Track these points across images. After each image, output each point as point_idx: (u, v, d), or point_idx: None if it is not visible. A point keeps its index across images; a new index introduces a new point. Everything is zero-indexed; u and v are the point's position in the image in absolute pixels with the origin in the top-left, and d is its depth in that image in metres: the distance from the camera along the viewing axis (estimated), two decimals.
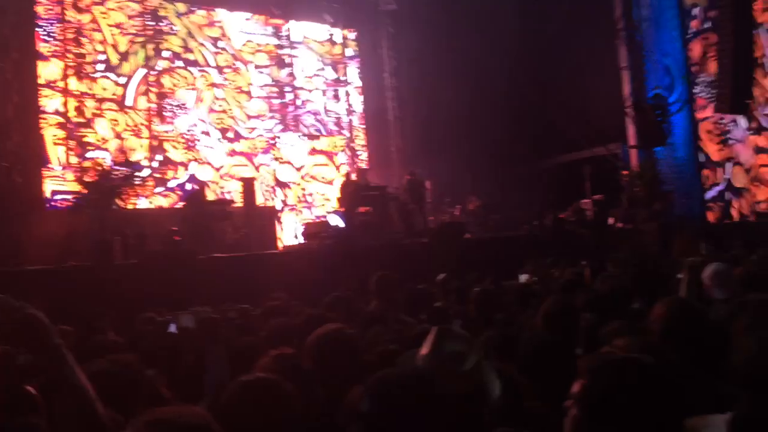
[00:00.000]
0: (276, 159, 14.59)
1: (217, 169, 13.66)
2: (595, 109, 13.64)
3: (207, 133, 13.61)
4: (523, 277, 6.31)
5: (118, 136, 12.41)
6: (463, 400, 1.67)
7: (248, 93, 14.36)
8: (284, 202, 14.55)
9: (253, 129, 14.37)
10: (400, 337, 3.20)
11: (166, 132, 13.07)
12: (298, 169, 14.97)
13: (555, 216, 12.13)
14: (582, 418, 1.50)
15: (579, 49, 13.84)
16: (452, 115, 14.46)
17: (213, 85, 13.84)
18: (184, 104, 13.34)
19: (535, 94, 14.82)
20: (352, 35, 16.27)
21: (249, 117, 14.28)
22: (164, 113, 13.04)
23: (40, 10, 11.81)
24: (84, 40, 12.21)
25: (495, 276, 6.56)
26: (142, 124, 12.77)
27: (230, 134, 13.98)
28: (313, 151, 15.30)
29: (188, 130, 13.33)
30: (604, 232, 12.12)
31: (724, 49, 12.97)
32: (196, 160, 13.40)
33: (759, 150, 16.61)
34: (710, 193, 15.95)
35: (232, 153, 13.97)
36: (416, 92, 15.15)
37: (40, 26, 11.77)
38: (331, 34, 15.79)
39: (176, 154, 13.19)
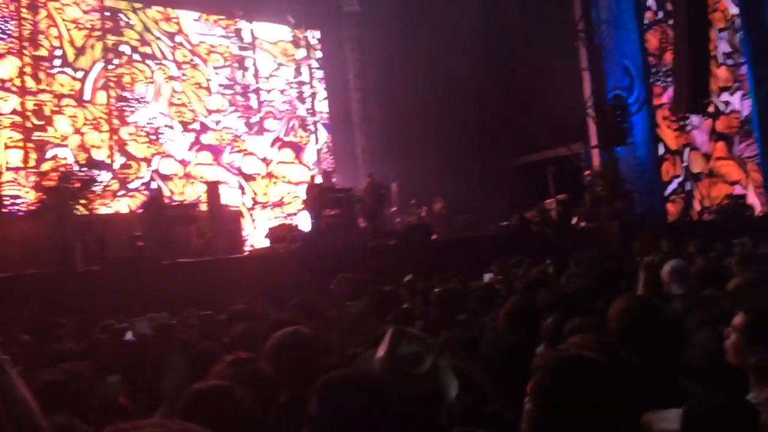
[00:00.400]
0: (240, 151, 14.46)
1: (181, 162, 13.49)
2: (558, 110, 13.83)
3: (170, 127, 13.48)
4: (488, 277, 6.35)
5: (77, 131, 12.22)
6: (418, 401, 1.67)
7: (207, 89, 14.23)
8: (254, 200, 14.42)
9: (219, 121, 14.26)
10: (369, 339, 3.19)
11: (127, 125, 12.91)
12: (264, 161, 14.83)
13: (520, 216, 12.24)
14: (536, 413, 1.52)
15: (541, 50, 14.02)
16: (417, 117, 14.52)
17: (171, 78, 13.69)
18: (143, 98, 13.19)
19: (500, 95, 14.99)
20: (315, 36, 16.20)
21: (210, 111, 14.15)
22: (123, 107, 12.89)
23: None
24: (40, 36, 12.02)
25: (462, 277, 6.59)
26: (101, 118, 12.60)
27: (195, 125, 13.84)
28: (278, 141, 15.17)
29: (148, 123, 13.18)
30: (568, 231, 12.28)
31: (680, 50, 13.27)
32: (159, 153, 13.23)
33: (719, 137, 17.08)
34: (671, 186, 16.36)
35: (198, 143, 13.80)
36: (381, 93, 15.17)
37: None
38: (295, 36, 15.72)
39: (138, 148, 13.00)
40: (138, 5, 13.42)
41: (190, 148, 13.72)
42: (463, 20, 14.06)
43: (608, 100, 14.37)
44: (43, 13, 12.12)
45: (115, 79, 12.90)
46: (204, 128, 13.98)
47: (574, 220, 13.04)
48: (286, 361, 2.39)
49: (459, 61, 14.23)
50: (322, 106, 16.12)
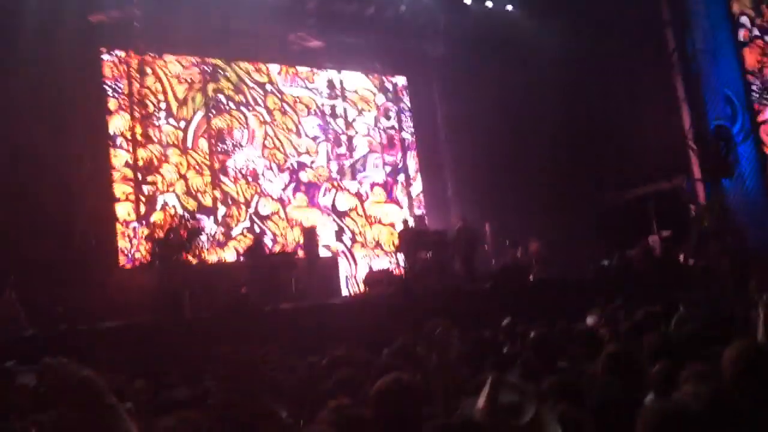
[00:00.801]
0: (334, 187, 14.92)
1: (278, 201, 14.08)
2: (658, 143, 13.36)
3: (268, 168, 14.20)
4: (590, 320, 6.14)
5: (182, 177, 13.07)
6: None
7: (297, 133, 14.86)
8: (352, 239, 14.78)
9: (313, 161, 14.84)
10: (469, 387, 3.17)
11: (226, 168, 13.69)
12: (358, 197, 15.22)
13: (622, 255, 11.79)
14: None
15: (635, 81, 13.67)
16: (508, 155, 14.44)
17: (264, 122, 14.44)
18: (239, 142, 14.00)
19: (594, 129, 14.61)
20: (401, 82, 16.52)
21: (300, 154, 14.76)
22: (222, 152, 13.74)
23: (107, 71, 12.68)
24: (146, 92, 13.08)
25: (562, 319, 6.41)
26: (203, 164, 13.45)
27: (293, 163, 14.51)
28: (372, 183, 15.58)
29: (246, 166, 13.95)
30: (675, 270, 11.70)
31: None
32: (257, 194, 13.90)
33: None
34: None
35: (293, 183, 14.39)
36: (470, 134, 15.14)
37: (108, 84, 12.65)
38: (381, 82, 16.11)
39: (238, 191, 13.73)
40: (232, 62, 14.32)
41: (286, 188, 14.32)
42: (551, 54, 13.92)
43: (710, 131, 13.74)
44: (149, 71, 13.23)
45: (213, 126, 13.79)
46: (299, 168, 14.60)
47: (681, 258, 12.41)
48: (388, 408, 2.41)
49: (550, 97, 14.06)
50: (412, 149, 16.33)
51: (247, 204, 13.75)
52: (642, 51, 13.95)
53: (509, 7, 15.20)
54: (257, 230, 13.50)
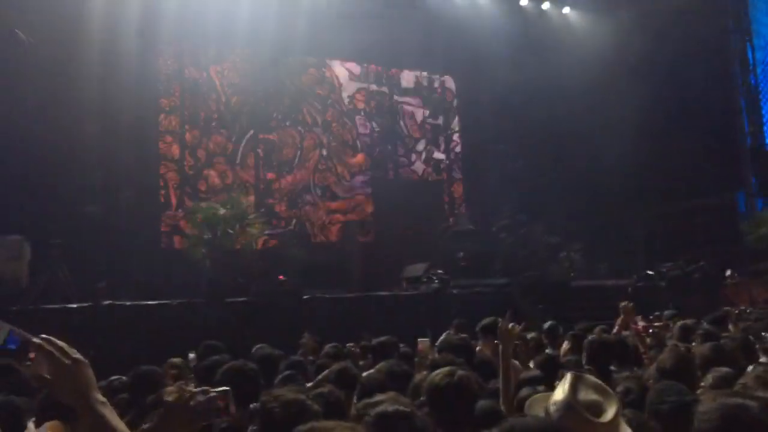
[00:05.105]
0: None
1: (316, 223, 13.89)
2: (712, 154, 12.97)
3: (310, 192, 13.91)
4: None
5: (226, 187, 12.80)
6: None
7: (352, 147, 14.64)
8: None
9: (352, 189, 14.52)
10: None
11: (271, 189, 13.48)
12: None
13: (668, 269, 11.57)
14: None
15: (694, 94, 13.23)
16: (553, 158, 14.26)
17: (318, 144, 14.14)
18: (289, 162, 13.69)
19: (650, 141, 14.13)
20: (449, 83, 16.34)
21: (350, 173, 14.50)
22: (270, 171, 13.45)
23: (160, 66, 12.63)
24: (200, 97, 12.95)
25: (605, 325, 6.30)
26: (248, 181, 13.21)
27: (334, 189, 14.26)
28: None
29: (292, 188, 13.69)
30: (718, 285, 11.42)
31: None
32: (297, 216, 13.60)
33: None
34: None
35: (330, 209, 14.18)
36: (517, 139, 14.98)
37: (161, 82, 12.65)
38: (432, 82, 15.98)
39: (280, 210, 13.50)
40: (294, 66, 13.83)
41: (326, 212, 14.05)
42: (605, 56, 13.65)
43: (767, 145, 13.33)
44: (204, 74, 13.04)
45: (264, 144, 13.43)
46: (335, 197, 14.26)
47: (728, 273, 12.04)
48: (443, 403, 2.37)
49: (603, 100, 13.83)
50: (457, 149, 16.21)
51: (287, 223, 13.27)
52: (701, 59, 13.44)
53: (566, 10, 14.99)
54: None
